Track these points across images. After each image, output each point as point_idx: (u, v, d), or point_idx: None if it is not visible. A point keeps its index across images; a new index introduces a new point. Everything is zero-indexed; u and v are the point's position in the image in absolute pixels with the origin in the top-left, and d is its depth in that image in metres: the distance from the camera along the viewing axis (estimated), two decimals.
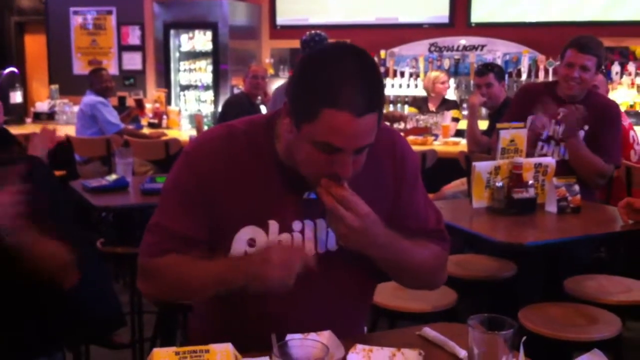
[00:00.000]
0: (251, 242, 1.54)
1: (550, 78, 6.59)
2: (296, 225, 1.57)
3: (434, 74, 6.33)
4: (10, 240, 1.69)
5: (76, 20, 8.63)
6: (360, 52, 1.44)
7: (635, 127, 4.79)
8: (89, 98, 6.00)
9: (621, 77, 6.57)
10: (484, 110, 5.82)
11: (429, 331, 1.64)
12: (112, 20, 8.48)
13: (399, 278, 1.71)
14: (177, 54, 8.14)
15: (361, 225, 1.44)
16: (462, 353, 1.51)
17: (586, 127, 3.41)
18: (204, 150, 1.57)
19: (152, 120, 7.15)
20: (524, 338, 1.32)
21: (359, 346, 1.48)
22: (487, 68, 5.17)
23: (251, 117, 1.65)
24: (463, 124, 6.27)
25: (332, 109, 1.36)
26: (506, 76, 6.14)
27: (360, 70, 1.40)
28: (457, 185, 4.79)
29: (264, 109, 6.04)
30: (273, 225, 1.55)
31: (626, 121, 4.36)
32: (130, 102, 7.41)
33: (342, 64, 1.39)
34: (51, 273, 1.85)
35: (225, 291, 1.50)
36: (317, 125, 1.38)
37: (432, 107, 6.19)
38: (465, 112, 6.81)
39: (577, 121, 3.28)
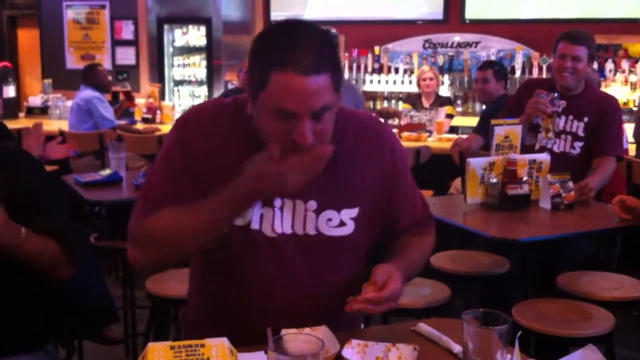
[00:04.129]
0: None
1: (544, 75, 6.61)
2: (277, 202, 1.56)
3: (421, 69, 6.37)
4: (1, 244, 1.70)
5: (69, 15, 8.59)
6: (312, 23, 1.45)
7: (628, 124, 4.82)
8: (86, 92, 5.98)
9: (614, 74, 6.59)
10: (477, 107, 5.85)
11: (423, 326, 1.64)
12: (106, 14, 8.44)
13: None
14: (171, 49, 8.12)
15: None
16: (457, 348, 1.51)
17: (586, 119, 3.42)
18: (191, 118, 1.59)
19: (145, 115, 7.13)
20: (519, 333, 1.32)
21: (354, 341, 1.48)
22: (488, 64, 5.26)
23: (243, 95, 1.63)
24: (457, 121, 6.30)
25: (279, 71, 1.35)
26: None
27: (309, 34, 1.40)
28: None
29: None
30: None
31: None
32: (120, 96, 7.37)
33: (291, 31, 1.41)
34: (41, 269, 1.86)
35: (223, 226, 1.49)
36: (268, 90, 1.38)
37: (426, 103, 6.20)
38: (459, 109, 6.86)
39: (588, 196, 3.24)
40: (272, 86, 1.36)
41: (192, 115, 1.59)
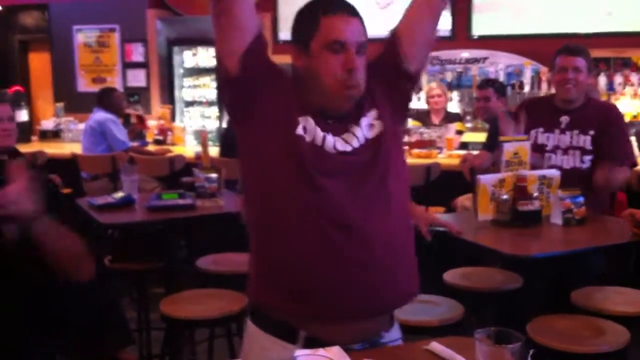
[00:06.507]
0: (304, 129, 1.75)
1: (553, 90, 6.62)
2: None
3: (429, 86, 6.41)
4: (32, 228, 1.71)
5: (80, 38, 8.68)
6: None
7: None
8: (100, 115, 6.02)
9: (624, 87, 6.59)
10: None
11: (436, 345, 1.65)
12: (116, 37, 8.53)
13: None
14: (181, 71, 8.19)
15: None
16: None
17: (592, 132, 3.42)
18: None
19: (157, 137, 7.17)
20: (532, 351, 1.32)
21: None
22: (487, 83, 5.29)
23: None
24: (467, 136, 6.30)
25: (327, 16, 1.74)
26: (508, 90, 6.18)
27: None
28: (469, 197, 4.78)
29: None
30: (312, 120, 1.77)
31: None
32: (133, 119, 7.40)
33: None
34: (67, 264, 1.87)
35: None
36: (321, 31, 1.73)
37: (435, 120, 6.21)
38: (469, 125, 6.87)
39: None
40: (323, 27, 1.73)
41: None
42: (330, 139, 1.76)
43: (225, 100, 1.88)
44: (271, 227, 1.76)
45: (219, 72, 1.82)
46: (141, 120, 7.05)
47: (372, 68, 1.86)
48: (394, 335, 1.84)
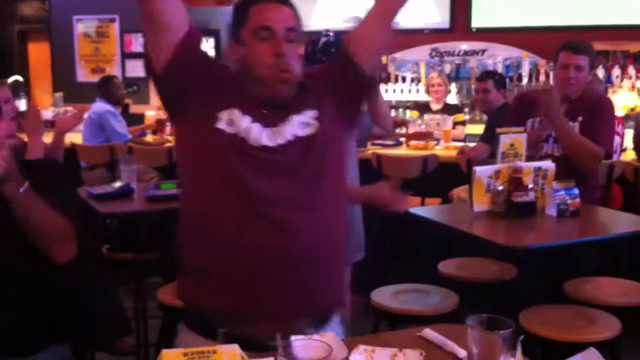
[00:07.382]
0: (230, 122, 1.74)
1: (551, 82, 6.63)
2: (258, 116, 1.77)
3: (430, 75, 6.52)
4: (5, 189, 1.72)
5: (79, 28, 8.69)
6: None
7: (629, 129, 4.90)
8: (99, 106, 6.01)
9: (621, 80, 6.61)
10: (485, 115, 5.87)
11: (429, 332, 1.68)
12: (115, 28, 8.53)
13: None
14: None
15: None
16: (462, 353, 1.55)
17: (580, 119, 3.47)
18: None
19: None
20: (522, 337, 1.35)
21: (362, 347, 1.52)
22: (487, 75, 5.31)
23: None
24: (468, 129, 6.33)
25: (256, 5, 1.77)
26: (507, 82, 6.19)
27: None
28: (465, 189, 4.82)
29: None
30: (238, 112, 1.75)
31: None
32: (150, 119, 7.31)
33: None
34: (47, 239, 1.87)
35: None
36: (250, 21, 1.76)
37: (434, 107, 6.27)
38: (467, 117, 6.90)
39: (552, 98, 3.36)
40: (252, 16, 1.76)
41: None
42: (257, 131, 1.73)
43: (159, 97, 1.88)
44: (201, 224, 1.77)
45: (149, 69, 1.81)
46: (161, 126, 6.97)
47: (326, 71, 1.90)
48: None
